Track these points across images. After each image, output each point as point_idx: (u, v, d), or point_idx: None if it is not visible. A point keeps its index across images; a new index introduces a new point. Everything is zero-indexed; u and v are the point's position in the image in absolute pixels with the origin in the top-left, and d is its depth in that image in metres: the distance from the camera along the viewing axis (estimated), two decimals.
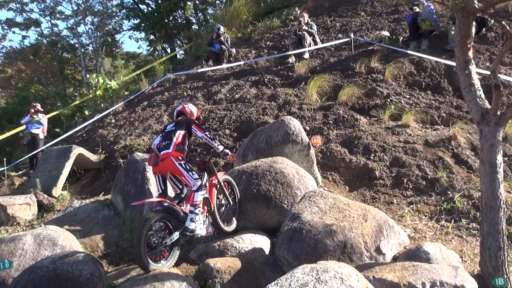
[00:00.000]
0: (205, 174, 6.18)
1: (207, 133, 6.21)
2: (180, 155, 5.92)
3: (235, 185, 6.77)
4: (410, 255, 5.48)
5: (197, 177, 5.86)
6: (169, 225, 5.66)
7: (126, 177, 8.21)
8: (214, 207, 6.17)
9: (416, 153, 8.36)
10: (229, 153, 6.42)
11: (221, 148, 6.30)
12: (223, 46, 13.58)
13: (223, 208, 6.60)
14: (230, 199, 6.62)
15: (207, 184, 6.20)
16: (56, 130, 16.23)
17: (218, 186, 6.39)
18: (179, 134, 6.08)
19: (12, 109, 20.09)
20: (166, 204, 5.71)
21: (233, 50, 14.09)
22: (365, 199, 7.68)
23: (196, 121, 6.47)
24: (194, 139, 8.82)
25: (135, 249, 5.16)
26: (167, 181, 6.11)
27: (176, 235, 5.64)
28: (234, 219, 6.65)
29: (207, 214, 6.14)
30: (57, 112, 15.31)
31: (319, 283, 3.95)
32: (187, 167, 5.85)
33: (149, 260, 5.26)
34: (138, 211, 7.56)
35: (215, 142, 6.25)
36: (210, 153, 6.73)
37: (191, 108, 6.66)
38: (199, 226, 5.84)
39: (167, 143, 5.99)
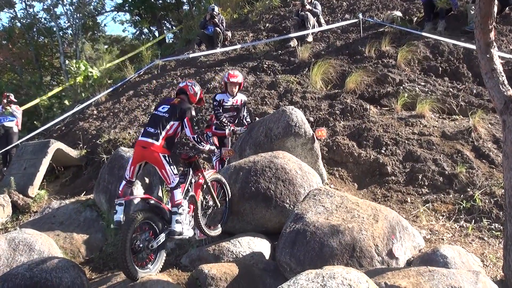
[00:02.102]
0: (190, 170, 6.22)
1: (195, 136, 6.15)
2: (167, 152, 5.87)
3: (227, 185, 6.76)
4: (426, 259, 5.48)
5: (177, 172, 5.89)
6: (154, 226, 5.67)
7: (110, 174, 8.19)
8: (198, 208, 6.20)
9: (432, 146, 8.36)
10: (215, 150, 6.52)
11: (207, 148, 6.33)
12: (218, 29, 13.51)
13: (210, 210, 6.62)
14: (217, 201, 6.62)
15: (193, 181, 6.23)
16: (32, 122, 16.17)
17: (204, 186, 6.40)
18: (172, 125, 5.95)
19: None
20: (152, 202, 5.74)
21: (229, 33, 14.03)
22: (376, 198, 7.69)
23: (191, 116, 6.26)
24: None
25: (120, 256, 5.17)
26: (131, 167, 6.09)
27: (162, 237, 5.68)
28: (220, 224, 6.66)
29: (192, 214, 6.17)
30: (34, 103, 15.21)
31: None
32: (170, 161, 5.84)
33: (136, 267, 5.28)
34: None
35: (201, 144, 6.24)
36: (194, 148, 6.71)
37: (195, 89, 6.48)
38: (186, 227, 5.92)
39: (156, 132, 5.86)
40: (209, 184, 6.42)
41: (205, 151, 6.40)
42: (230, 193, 6.74)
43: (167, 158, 5.81)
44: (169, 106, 6.10)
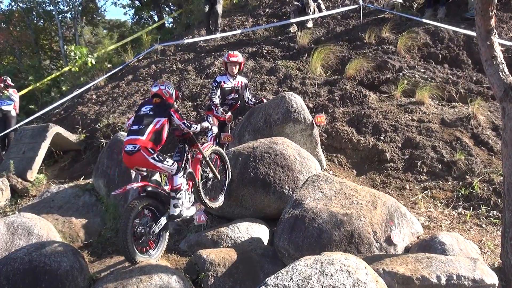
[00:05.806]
0: (186, 146, 6.17)
1: (185, 121, 6.00)
2: (152, 146, 5.61)
3: (225, 155, 6.79)
4: (424, 246, 5.49)
5: (172, 162, 5.76)
6: (155, 210, 5.67)
7: (109, 159, 8.16)
8: (198, 182, 6.19)
9: (431, 133, 8.33)
10: (208, 126, 6.56)
11: (199, 127, 6.17)
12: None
13: (210, 182, 6.61)
14: (217, 174, 6.60)
15: (190, 157, 6.21)
16: (30, 106, 16.11)
17: (203, 161, 6.37)
18: (158, 121, 5.74)
19: None
20: (150, 188, 5.71)
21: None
22: (375, 184, 7.67)
23: (175, 106, 6.10)
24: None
25: (122, 242, 5.18)
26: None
27: (163, 221, 5.71)
28: (221, 195, 6.67)
29: (192, 190, 6.17)
30: (30, 88, 15.16)
31: (324, 276, 3.93)
32: (160, 158, 5.65)
33: (138, 252, 5.29)
34: (122, 196, 7.53)
35: (193, 126, 6.07)
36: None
37: (169, 90, 6.20)
38: (186, 205, 5.96)
39: (141, 128, 5.64)
40: (207, 158, 6.40)
41: (198, 131, 6.28)
42: (228, 163, 6.77)
43: (155, 158, 5.60)
44: (152, 105, 5.93)
